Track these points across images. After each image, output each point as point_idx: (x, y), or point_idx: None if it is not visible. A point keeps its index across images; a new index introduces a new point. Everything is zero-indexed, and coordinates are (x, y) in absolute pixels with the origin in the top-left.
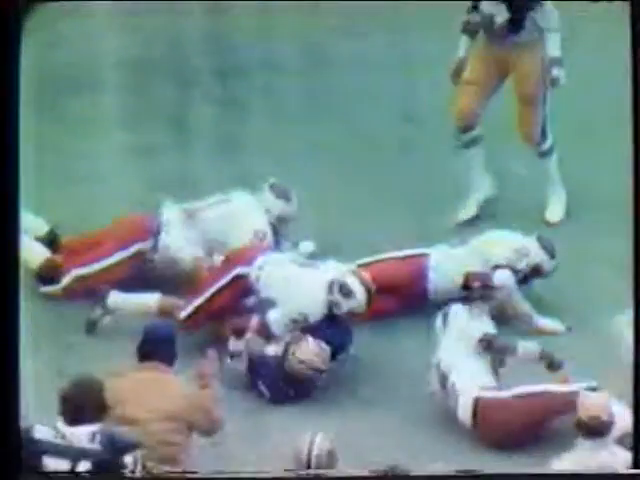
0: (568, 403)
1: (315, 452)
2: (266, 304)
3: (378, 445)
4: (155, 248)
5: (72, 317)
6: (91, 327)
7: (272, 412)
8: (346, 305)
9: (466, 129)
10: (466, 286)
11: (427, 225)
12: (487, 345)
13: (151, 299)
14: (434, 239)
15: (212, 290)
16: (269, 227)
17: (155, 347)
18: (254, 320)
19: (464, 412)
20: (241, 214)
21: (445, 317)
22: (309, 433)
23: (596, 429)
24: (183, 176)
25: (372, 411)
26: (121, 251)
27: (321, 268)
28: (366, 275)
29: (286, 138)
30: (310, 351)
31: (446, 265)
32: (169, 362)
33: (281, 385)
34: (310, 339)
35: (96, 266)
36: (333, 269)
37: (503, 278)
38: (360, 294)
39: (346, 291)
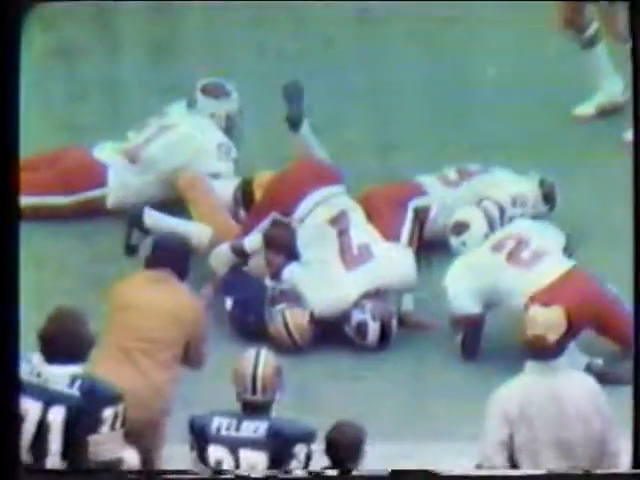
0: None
1: (260, 371)
2: (294, 256)
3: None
4: (104, 199)
5: None
6: (131, 252)
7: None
8: (357, 338)
9: (577, 32)
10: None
11: (388, 135)
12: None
13: (202, 232)
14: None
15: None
16: (223, 133)
17: (165, 258)
18: (278, 257)
19: (539, 278)
20: (189, 134)
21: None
22: (252, 350)
23: (539, 350)
24: (109, 82)
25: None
26: (67, 195)
27: (363, 266)
28: (392, 315)
29: (228, 41)
30: (300, 324)
31: (442, 211)
32: (180, 275)
33: (249, 316)
34: (307, 314)
35: (32, 199)
36: (369, 279)
37: (489, 209)
38: (373, 336)
39: (363, 329)
